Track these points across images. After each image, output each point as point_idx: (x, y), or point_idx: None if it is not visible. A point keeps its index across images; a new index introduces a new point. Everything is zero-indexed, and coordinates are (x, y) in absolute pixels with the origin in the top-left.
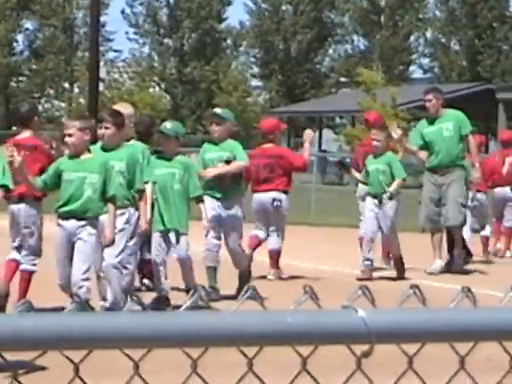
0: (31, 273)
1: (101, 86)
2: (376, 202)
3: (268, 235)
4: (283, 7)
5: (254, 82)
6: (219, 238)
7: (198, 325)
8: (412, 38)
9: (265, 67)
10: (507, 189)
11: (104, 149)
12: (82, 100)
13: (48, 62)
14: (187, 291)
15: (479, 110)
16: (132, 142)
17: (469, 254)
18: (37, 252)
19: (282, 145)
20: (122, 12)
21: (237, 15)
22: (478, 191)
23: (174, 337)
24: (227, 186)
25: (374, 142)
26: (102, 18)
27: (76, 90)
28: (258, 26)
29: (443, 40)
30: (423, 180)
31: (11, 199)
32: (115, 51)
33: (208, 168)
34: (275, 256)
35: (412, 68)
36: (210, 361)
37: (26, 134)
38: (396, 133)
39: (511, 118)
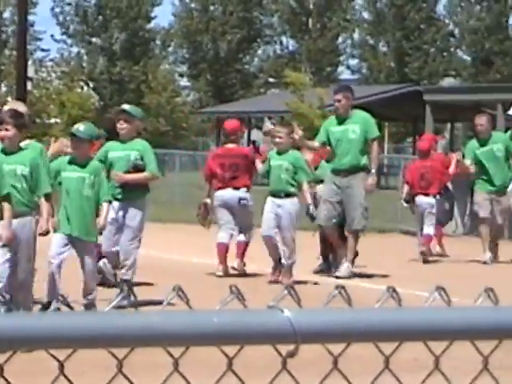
0: None
1: (29, 85)
2: (276, 200)
3: (233, 231)
4: (212, 7)
5: (183, 82)
6: (114, 242)
7: (123, 325)
8: (340, 40)
9: (193, 67)
10: (428, 198)
11: (5, 152)
12: (9, 99)
13: None
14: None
15: (407, 111)
16: (27, 141)
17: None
18: None
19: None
20: (52, 9)
21: (166, 15)
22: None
23: (99, 337)
24: (132, 190)
25: (277, 139)
26: (31, 17)
27: (3, 88)
28: (187, 25)
29: (371, 41)
30: (325, 180)
31: None
32: (43, 50)
33: (114, 167)
34: (242, 246)
35: (340, 69)
36: (137, 361)
37: None
38: (297, 133)
39: (438, 119)
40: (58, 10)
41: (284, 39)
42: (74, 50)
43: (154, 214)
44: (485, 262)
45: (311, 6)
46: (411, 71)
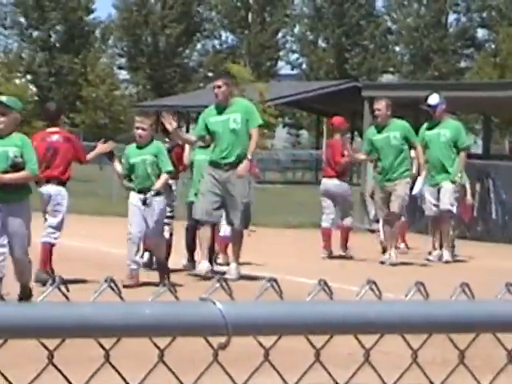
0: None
1: None
2: (142, 197)
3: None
4: (151, 0)
5: (122, 76)
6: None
7: (55, 316)
8: (280, 35)
9: (132, 60)
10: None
11: None
12: None
13: None
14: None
15: (346, 107)
16: None
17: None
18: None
19: None
20: None
21: (105, 8)
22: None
23: (31, 328)
24: (12, 191)
25: (139, 131)
26: None
27: None
28: (126, 18)
29: (311, 37)
30: (204, 173)
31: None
32: None
33: None
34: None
35: (280, 64)
36: (69, 354)
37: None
38: (171, 125)
39: None
40: None
41: (224, 34)
42: (12, 41)
43: (92, 208)
44: (382, 262)
45: (251, 1)
46: (351, 67)
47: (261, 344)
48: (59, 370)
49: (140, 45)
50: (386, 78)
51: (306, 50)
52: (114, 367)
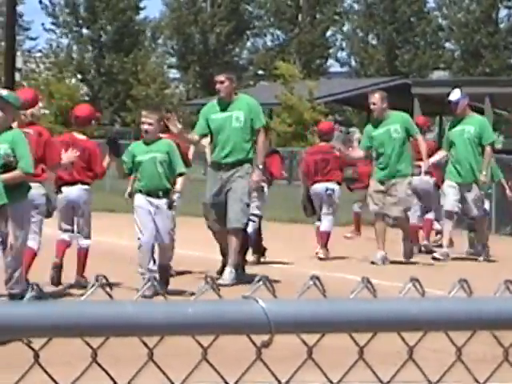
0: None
1: (17, 77)
2: (166, 201)
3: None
4: None
5: (172, 74)
6: None
7: (97, 314)
8: (329, 32)
9: (182, 59)
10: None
11: None
12: None
13: None
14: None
15: (396, 104)
16: None
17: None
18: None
19: None
20: (40, 2)
21: (155, 6)
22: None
23: (74, 326)
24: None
25: (145, 126)
26: (19, 8)
27: None
28: (176, 17)
29: (361, 34)
30: (207, 175)
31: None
32: (31, 39)
33: None
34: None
35: (330, 62)
36: (116, 353)
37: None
38: (176, 127)
39: (426, 112)
40: (47, 1)
41: (273, 31)
42: (64, 40)
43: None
44: (373, 262)
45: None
46: (401, 64)
47: (304, 342)
48: (103, 368)
49: (190, 43)
50: (437, 75)
51: (357, 47)
52: (157, 365)
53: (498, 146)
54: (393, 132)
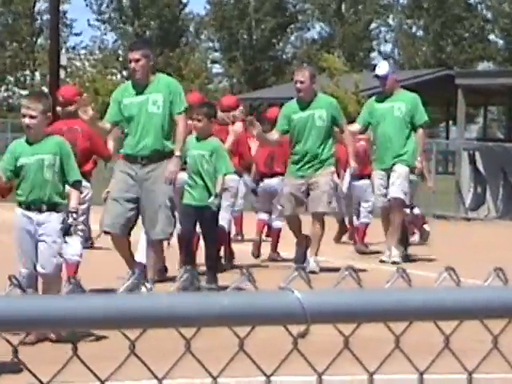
0: None
1: (62, 74)
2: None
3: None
4: None
5: (216, 69)
6: None
7: (134, 306)
8: (373, 25)
9: (227, 54)
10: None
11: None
12: (44, 88)
13: (9, 50)
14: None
15: (440, 95)
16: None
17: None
18: None
19: None
20: None
21: (198, 2)
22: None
23: (110, 319)
24: None
25: (26, 120)
26: (64, 6)
27: (37, 77)
28: (221, 12)
29: (405, 27)
30: (114, 171)
31: None
32: (76, 35)
33: None
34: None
35: (373, 54)
36: (148, 346)
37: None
38: (86, 113)
39: (471, 103)
40: None
41: (317, 25)
42: (108, 37)
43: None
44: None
45: None
46: (447, 57)
47: (340, 332)
48: (139, 358)
49: (234, 38)
50: (482, 66)
51: (402, 39)
52: (195, 357)
53: None
54: (317, 119)
